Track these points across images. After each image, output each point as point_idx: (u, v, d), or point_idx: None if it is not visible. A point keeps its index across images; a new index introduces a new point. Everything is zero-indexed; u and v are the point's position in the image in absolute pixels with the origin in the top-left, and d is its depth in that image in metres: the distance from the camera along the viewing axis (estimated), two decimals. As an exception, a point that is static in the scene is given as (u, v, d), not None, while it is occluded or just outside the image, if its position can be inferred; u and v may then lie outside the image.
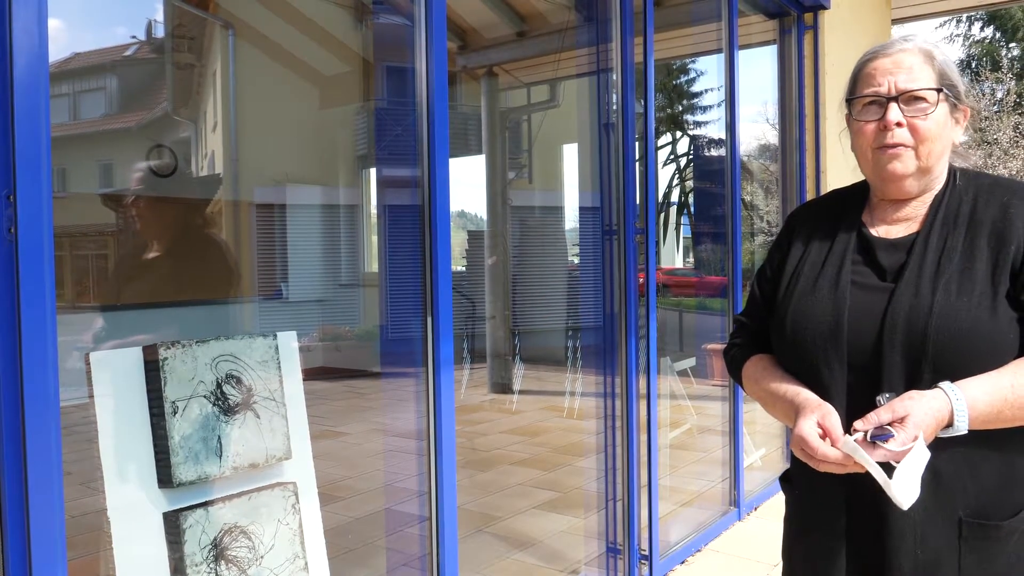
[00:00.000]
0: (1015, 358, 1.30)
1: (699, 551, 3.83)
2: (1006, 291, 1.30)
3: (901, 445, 1.18)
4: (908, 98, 1.38)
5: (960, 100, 1.42)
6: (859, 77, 1.44)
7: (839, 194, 1.58)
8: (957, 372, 1.26)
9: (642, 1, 3.40)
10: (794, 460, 1.53)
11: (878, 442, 1.19)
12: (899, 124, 1.38)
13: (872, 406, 1.30)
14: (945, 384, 1.23)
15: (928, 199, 1.43)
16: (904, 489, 1.18)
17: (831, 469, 1.26)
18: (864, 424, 1.19)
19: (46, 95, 1.46)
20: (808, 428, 1.28)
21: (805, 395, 1.37)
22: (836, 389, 1.36)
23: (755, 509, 4.41)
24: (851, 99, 1.45)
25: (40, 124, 1.46)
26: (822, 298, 1.41)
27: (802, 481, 1.49)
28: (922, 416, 1.20)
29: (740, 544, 3.95)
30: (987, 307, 1.29)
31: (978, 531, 1.30)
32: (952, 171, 1.45)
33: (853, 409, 1.35)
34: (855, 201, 1.52)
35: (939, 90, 1.37)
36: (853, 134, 1.46)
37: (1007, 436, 1.30)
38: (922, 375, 1.28)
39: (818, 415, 1.30)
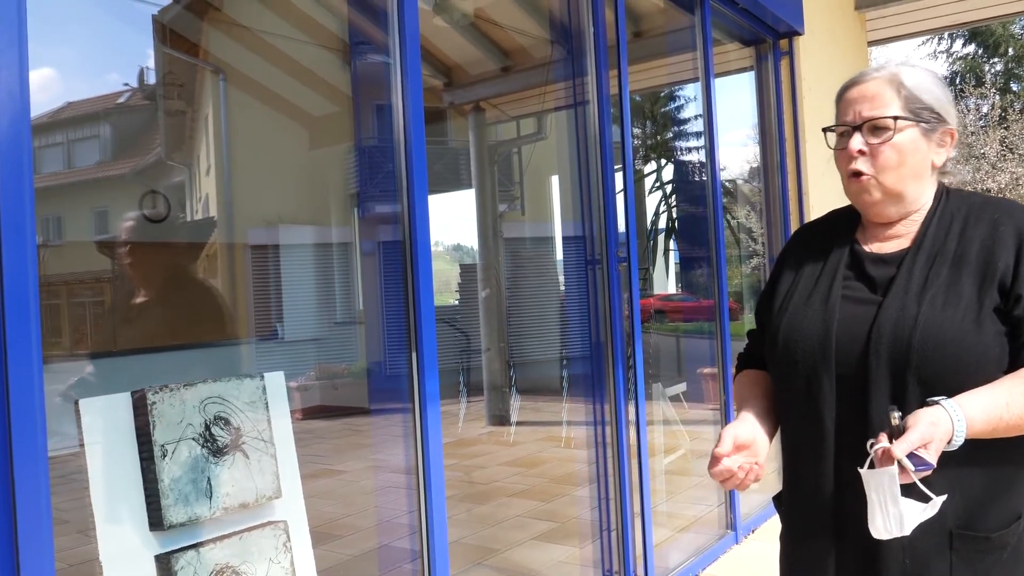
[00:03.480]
0: (1002, 370, 1.33)
1: (697, 576, 3.84)
2: (994, 306, 1.33)
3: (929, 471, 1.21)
4: (871, 126, 1.42)
5: (941, 121, 1.43)
6: (837, 107, 1.50)
7: (837, 214, 1.63)
8: (941, 383, 1.30)
9: (615, 35, 3.48)
10: (785, 479, 1.56)
11: (919, 471, 1.19)
12: (861, 152, 1.42)
13: (861, 416, 1.35)
14: (946, 402, 1.25)
15: (919, 217, 1.46)
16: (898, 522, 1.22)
17: (726, 485, 1.38)
18: (900, 451, 1.19)
19: (29, 155, 1.51)
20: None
21: (739, 415, 1.50)
22: (825, 400, 1.40)
23: (752, 532, 4.41)
24: (827, 129, 1.50)
25: (24, 182, 1.50)
26: (813, 312, 1.46)
27: (792, 498, 1.53)
28: (940, 443, 1.22)
29: (738, 567, 3.95)
30: (972, 320, 1.32)
31: (969, 543, 1.32)
32: (942, 190, 1.48)
33: (842, 420, 1.39)
34: (851, 219, 1.56)
35: (895, 118, 1.40)
36: (835, 162, 1.51)
37: (997, 447, 1.32)
38: (907, 386, 1.32)
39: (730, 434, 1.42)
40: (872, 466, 1.23)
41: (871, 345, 1.36)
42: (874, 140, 1.41)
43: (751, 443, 1.42)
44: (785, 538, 1.57)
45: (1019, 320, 1.33)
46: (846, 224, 1.55)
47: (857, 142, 1.42)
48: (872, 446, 1.23)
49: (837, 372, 1.39)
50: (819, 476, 1.41)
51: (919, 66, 1.46)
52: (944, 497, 1.22)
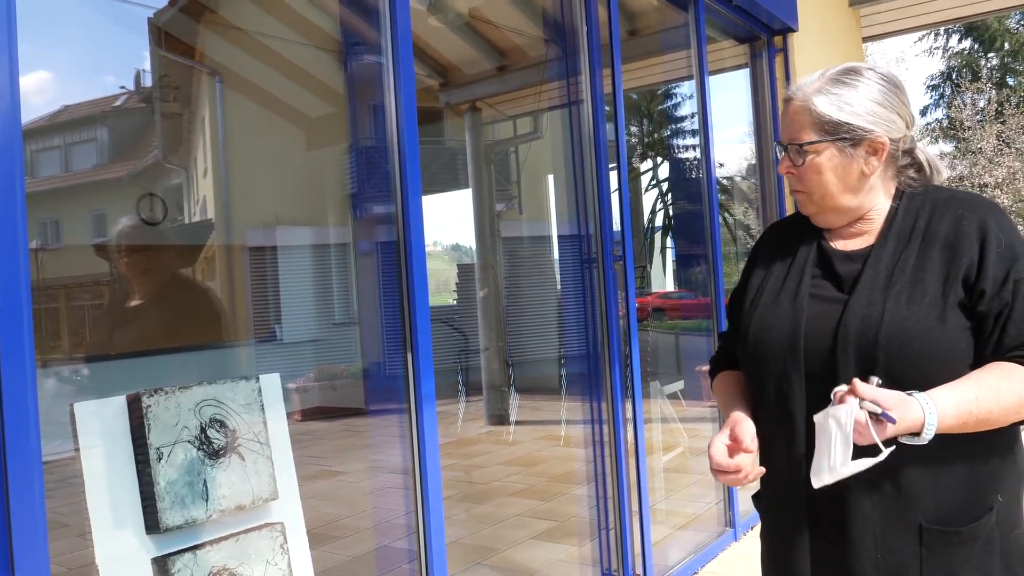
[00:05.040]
0: (967, 365, 1.35)
1: (696, 573, 3.83)
2: (958, 301, 1.34)
3: (893, 432, 1.22)
4: (794, 148, 1.46)
5: (863, 133, 1.42)
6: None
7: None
8: (908, 379, 1.31)
9: (609, 34, 3.48)
10: (762, 478, 1.57)
11: (883, 418, 1.20)
12: (789, 172, 1.49)
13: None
14: (919, 395, 1.26)
15: (881, 213, 1.48)
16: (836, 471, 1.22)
17: (729, 480, 1.40)
18: (867, 391, 1.21)
19: (20, 160, 1.51)
20: (715, 446, 1.43)
21: (731, 415, 1.50)
22: (795, 400, 1.42)
23: (751, 529, 4.41)
24: (776, 143, 1.56)
25: (15, 184, 1.50)
26: (782, 311, 1.47)
27: (768, 495, 1.55)
28: (906, 422, 1.23)
29: (737, 564, 3.95)
30: (936, 316, 1.33)
31: (939, 538, 1.34)
32: (902, 189, 1.49)
33: (812, 418, 1.39)
34: None
35: (806, 143, 1.43)
36: None
37: (968, 444, 1.33)
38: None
39: (729, 429, 1.45)
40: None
41: (838, 343, 1.37)
42: (798, 161, 1.46)
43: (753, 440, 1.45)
44: (764, 536, 1.58)
45: (983, 315, 1.34)
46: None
47: (783, 164, 1.49)
48: (835, 394, 1.25)
49: (806, 371, 1.41)
50: (791, 474, 1.42)
51: (852, 76, 1.45)
52: (892, 448, 1.23)
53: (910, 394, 1.27)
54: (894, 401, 1.22)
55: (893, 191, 1.49)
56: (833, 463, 1.21)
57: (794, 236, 1.57)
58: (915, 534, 1.34)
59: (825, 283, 1.47)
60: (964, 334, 1.34)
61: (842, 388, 1.25)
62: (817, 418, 1.25)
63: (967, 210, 1.41)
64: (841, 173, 1.44)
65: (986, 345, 1.35)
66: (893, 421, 1.20)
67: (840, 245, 1.50)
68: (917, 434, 1.25)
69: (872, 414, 1.21)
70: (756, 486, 1.61)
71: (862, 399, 1.21)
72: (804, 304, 1.45)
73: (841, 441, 1.21)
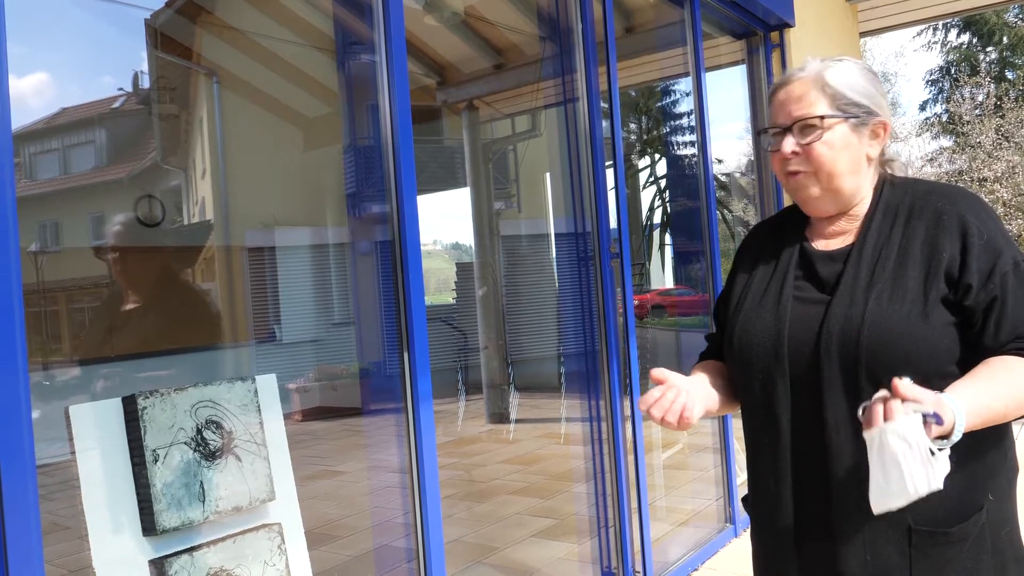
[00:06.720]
0: (953, 362, 1.33)
1: (696, 570, 3.83)
2: (941, 297, 1.32)
3: (939, 431, 1.13)
4: (802, 126, 1.42)
5: (871, 115, 1.43)
6: (769, 110, 1.51)
7: (788, 212, 1.63)
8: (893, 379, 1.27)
9: (604, 31, 3.48)
10: (748, 481, 1.57)
11: (932, 420, 1.12)
12: (795, 153, 1.43)
13: (817, 417, 1.35)
14: (943, 395, 1.20)
15: (862, 210, 1.46)
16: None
17: (660, 416, 1.33)
18: (916, 397, 1.12)
19: (11, 166, 1.51)
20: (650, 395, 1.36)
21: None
22: (780, 402, 1.41)
23: (752, 525, 4.41)
24: (762, 131, 1.53)
25: (5, 190, 1.50)
26: (766, 314, 1.46)
27: (756, 497, 1.53)
28: (946, 423, 1.16)
29: (737, 561, 3.95)
30: (918, 314, 1.31)
31: (928, 539, 1.32)
32: (883, 181, 1.48)
33: (798, 421, 1.39)
34: (801, 217, 1.56)
35: (822, 117, 1.40)
36: (771, 163, 1.53)
37: (958, 442, 1.30)
38: (860, 385, 1.31)
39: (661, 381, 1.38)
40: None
41: (821, 346, 1.36)
42: (805, 140, 1.42)
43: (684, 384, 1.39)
44: (754, 538, 1.58)
45: (971, 310, 1.32)
46: (796, 222, 1.55)
47: (789, 144, 1.43)
48: (863, 409, 1.16)
49: (791, 374, 1.39)
50: (778, 477, 1.42)
51: (847, 60, 1.46)
52: (947, 445, 1.15)
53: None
54: (933, 401, 1.14)
55: (875, 185, 1.48)
56: (914, 486, 1.11)
57: (776, 238, 1.56)
58: (904, 535, 1.33)
59: (808, 284, 1.46)
60: (948, 330, 1.32)
61: (882, 394, 1.14)
62: (870, 436, 1.14)
63: (947, 203, 1.39)
64: (850, 153, 1.42)
65: (980, 338, 1.32)
66: (941, 422, 1.13)
67: (821, 245, 1.49)
68: (946, 436, 1.18)
69: (934, 417, 1.12)
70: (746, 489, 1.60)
71: (909, 401, 1.12)
72: (788, 306, 1.44)
73: (919, 460, 1.10)
